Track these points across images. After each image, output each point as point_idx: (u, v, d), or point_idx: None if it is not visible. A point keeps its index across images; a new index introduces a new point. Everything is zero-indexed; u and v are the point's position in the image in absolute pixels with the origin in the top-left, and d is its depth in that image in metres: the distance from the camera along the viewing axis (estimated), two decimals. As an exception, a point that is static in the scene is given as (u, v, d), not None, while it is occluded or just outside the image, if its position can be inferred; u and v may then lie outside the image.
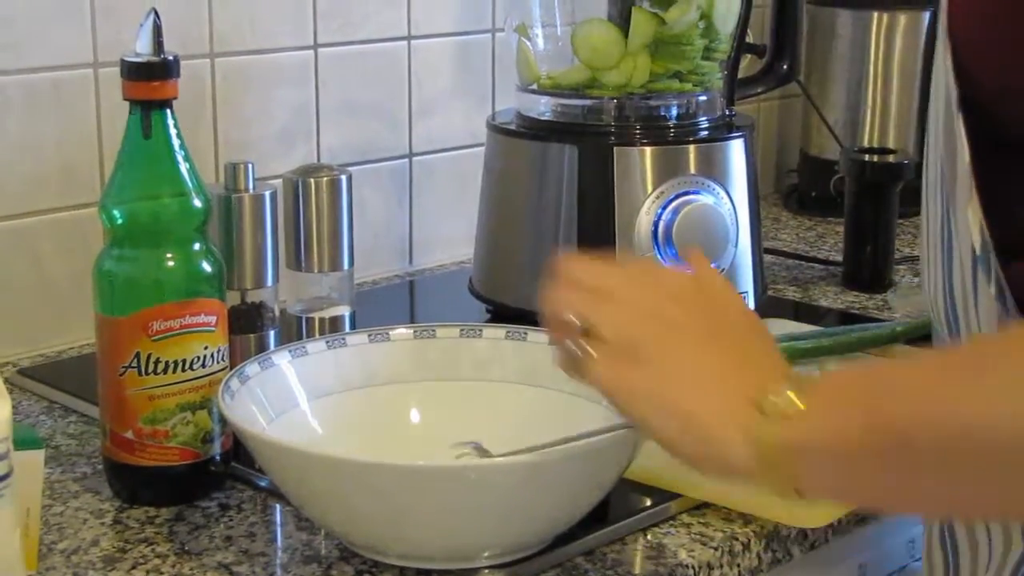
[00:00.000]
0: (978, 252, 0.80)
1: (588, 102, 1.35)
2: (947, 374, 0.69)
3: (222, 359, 0.99)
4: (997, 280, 0.79)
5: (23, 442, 0.86)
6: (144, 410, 0.97)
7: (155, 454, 0.98)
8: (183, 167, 0.98)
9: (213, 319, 0.98)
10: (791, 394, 0.73)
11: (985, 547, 0.84)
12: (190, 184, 0.98)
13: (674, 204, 1.27)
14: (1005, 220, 0.79)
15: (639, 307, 0.80)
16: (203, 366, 0.98)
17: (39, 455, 0.90)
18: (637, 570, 0.92)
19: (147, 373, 0.97)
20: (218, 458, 1.01)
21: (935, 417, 0.67)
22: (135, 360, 0.96)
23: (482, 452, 0.96)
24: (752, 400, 0.74)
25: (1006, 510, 0.73)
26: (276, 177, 1.24)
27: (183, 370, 0.97)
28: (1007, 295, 0.79)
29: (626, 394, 0.80)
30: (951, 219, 0.82)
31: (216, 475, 1.01)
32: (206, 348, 0.98)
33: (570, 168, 1.30)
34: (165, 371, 0.97)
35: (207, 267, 0.98)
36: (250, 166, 1.13)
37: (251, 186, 1.13)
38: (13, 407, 0.81)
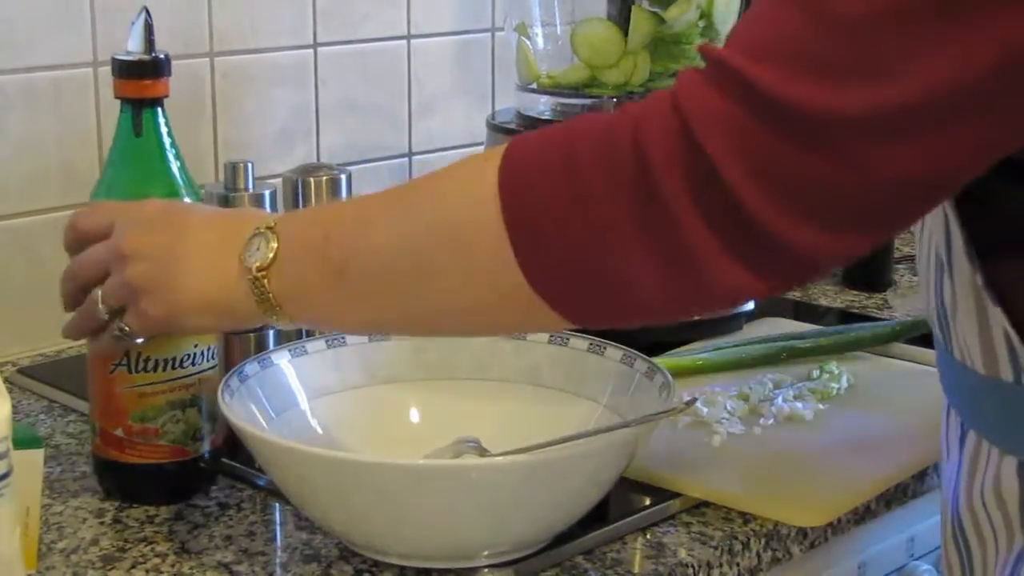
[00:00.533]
0: (954, 241, 0.80)
1: (588, 101, 1.35)
2: (367, 216, 0.83)
3: (212, 357, 0.99)
4: (974, 267, 0.79)
5: (22, 441, 0.86)
6: (134, 408, 0.97)
7: (145, 452, 0.98)
8: (174, 165, 0.98)
9: None
10: (264, 243, 0.85)
11: (992, 542, 0.84)
12: (180, 182, 0.98)
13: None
14: (983, 216, 0.78)
15: (121, 256, 0.89)
16: (193, 364, 0.98)
17: (38, 454, 0.90)
18: (637, 569, 0.92)
19: (137, 371, 0.96)
20: (207, 455, 1.00)
21: (360, 249, 0.82)
22: (125, 358, 0.96)
23: (481, 451, 0.96)
24: (239, 259, 0.85)
25: (414, 326, 0.90)
26: (276, 176, 1.24)
27: (173, 367, 0.97)
28: (981, 282, 0.79)
29: (158, 325, 0.90)
30: (948, 223, 0.82)
31: (206, 472, 1.01)
32: (196, 346, 0.98)
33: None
34: (155, 368, 0.97)
35: None
36: (250, 165, 1.13)
37: (251, 185, 1.13)
38: (13, 406, 0.81)
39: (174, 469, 0.99)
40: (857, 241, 0.72)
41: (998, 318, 0.78)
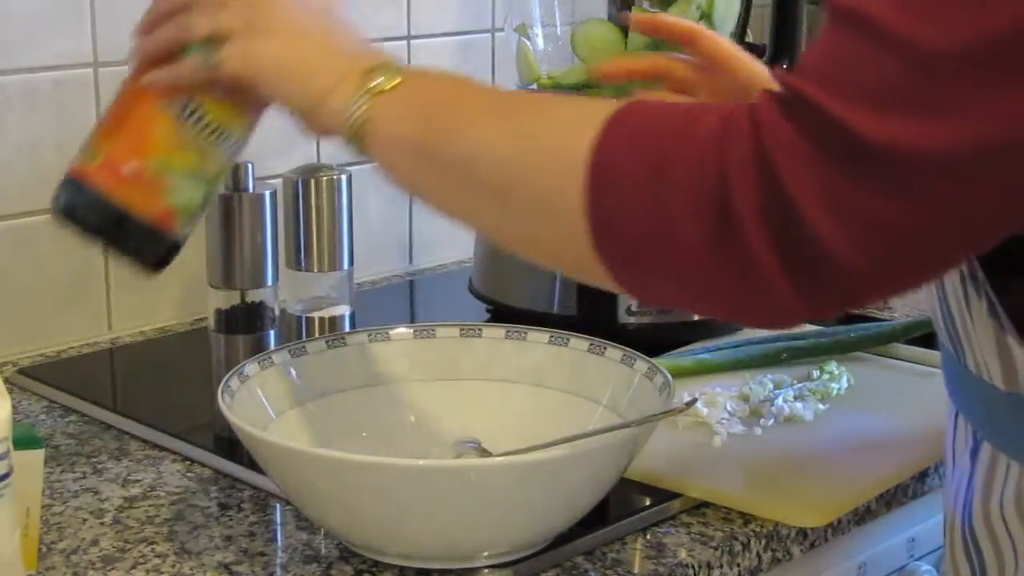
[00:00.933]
0: (963, 268, 0.80)
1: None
2: (481, 111, 0.84)
3: (237, 154, 0.97)
4: (987, 296, 0.79)
5: (22, 442, 0.86)
6: (163, 152, 0.91)
7: (142, 201, 0.91)
8: None
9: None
10: (388, 75, 0.85)
11: (1011, 554, 0.84)
12: None
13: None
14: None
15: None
16: (231, 147, 0.95)
17: (39, 455, 0.90)
18: (637, 570, 0.92)
19: (188, 119, 0.91)
20: (179, 244, 0.95)
21: (458, 141, 0.82)
22: (185, 100, 0.91)
23: (481, 451, 0.96)
24: (364, 70, 0.85)
25: (472, 223, 0.89)
26: (276, 177, 1.24)
27: (218, 138, 0.93)
28: (999, 311, 0.79)
29: (257, 69, 0.89)
30: None
31: (165, 258, 0.96)
32: (241, 135, 0.96)
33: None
34: (204, 129, 0.92)
35: None
36: (250, 166, 1.13)
37: (251, 186, 1.13)
38: (13, 407, 0.81)
39: (152, 232, 0.92)
40: (919, 278, 0.74)
41: (1018, 344, 0.78)
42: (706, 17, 1.33)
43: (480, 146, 0.81)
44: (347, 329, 1.23)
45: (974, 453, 0.86)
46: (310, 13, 0.90)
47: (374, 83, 0.85)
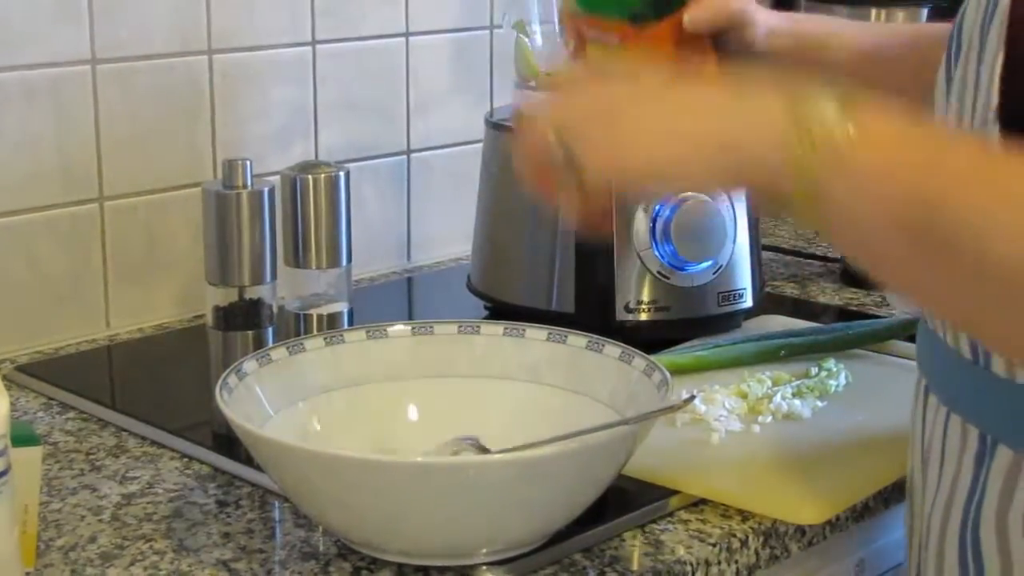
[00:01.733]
0: None
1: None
2: (996, 173, 0.67)
3: None
4: None
5: (20, 439, 0.86)
6: None
7: None
8: None
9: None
10: (836, 113, 0.68)
11: (1022, 564, 0.83)
12: None
13: (672, 201, 1.27)
14: None
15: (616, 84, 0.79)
16: None
17: (37, 452, 0.90)
18: (635, 567, 0.92)
19: None
20: None
21: (977, 212, 0.66)
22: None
23: (480, 448, 0.96)
24: (792, 114, 0.69)
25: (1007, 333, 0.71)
26: (274, 174, 1.24)
27: None
28: None
29: (627, 131, 0.75)
30: None
31: None
32: None
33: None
34: None
35: None
36: (248, 163, 1.13)
37: (249, 183, 1.13)
38: (11, 404, 0.81)
39: None
40: None
41: None
42: (704, 14, 1.33)
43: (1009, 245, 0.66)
44: (345, 326, 1.23)
45: (981, 458, 0.84)
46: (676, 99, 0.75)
47: (824, 124, 0.68)
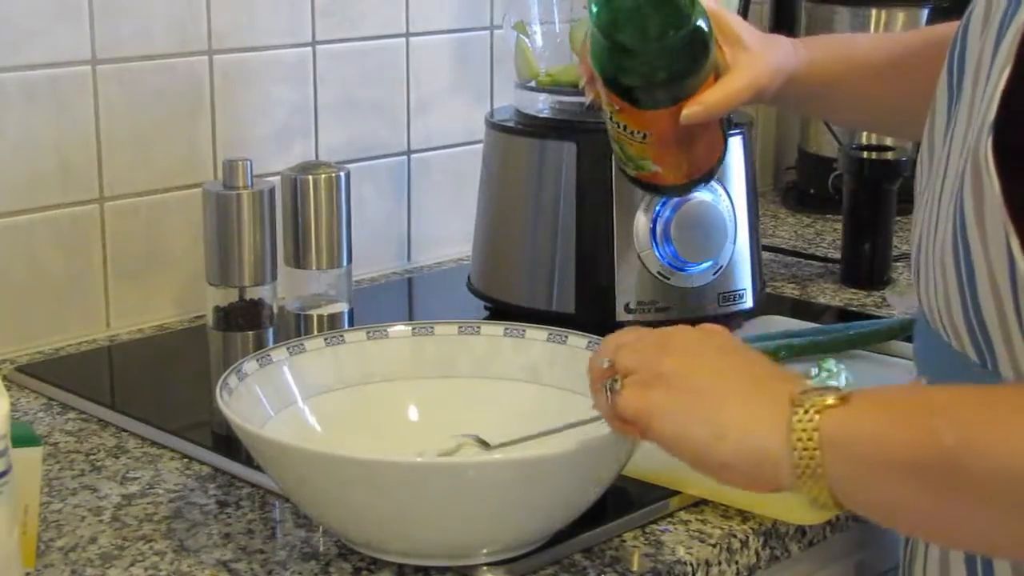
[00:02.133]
0: None
1: (587, 99, 1.35)
2: (997, 407, 0.69)
3: None
4: None
5: (21, 439, 0.86)
6: None
7: None
8: None
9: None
10: (829, 396, 0.72)
11: None
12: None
13: (673, 201, 1.27)
14: None
15: (659, 343, 0.82)
16: None
17: (37, 452, 0.90)
18: (635, 567, 0.92)
19: None
20: None
21: (989, 447, 0.67)
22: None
23: (480, 443, 0.96)
24: (790, 398, 0.73)
25: None
26: (274, 174, 1.24)
27: None
28: None
29: (655, 412, 0.80)
30: (968, 238, 0.80)
31: None
32: None
33: (568, 165, 1.30)
34: None
35: None
36: (248, 163, 1.13)
37: (249, 183, 1.13)
38: (11, 404, 0.81)
39: None
40: None
41: None
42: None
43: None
44: (346, 327, 1.23)
45: None
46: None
47: (812, 404, 0.72)
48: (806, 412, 0.72)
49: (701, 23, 0.98)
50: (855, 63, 1.12)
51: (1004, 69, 0.77)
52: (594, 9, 0.92)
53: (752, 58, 1.06)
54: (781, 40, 1.11)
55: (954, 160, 0.84)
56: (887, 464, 0.71)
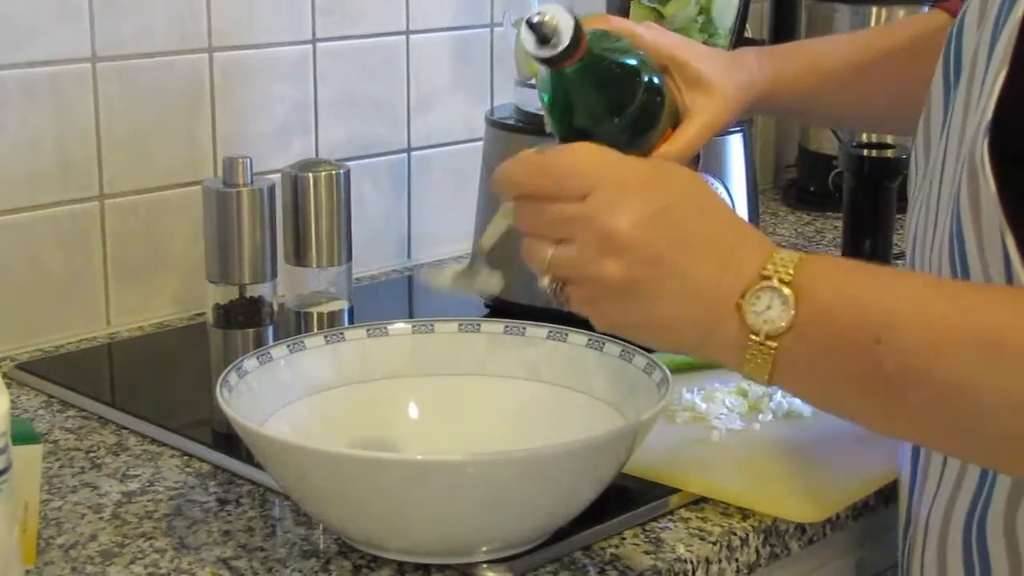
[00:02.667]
0: None
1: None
2: (937, 332, 0.71)
3: None
4: None
5: (21, 437, 0.86)
6: None
7: None
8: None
9: None
10: (778, 303, 0.74)
11: None
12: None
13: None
14: None
15: (600, 239, 0.78)
16: None
17: (37, 450, 0.90)
18: (635, 565, 0.92)
19: None
20: None
21: (928, 375, 0.71)
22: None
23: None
24: (737, 307, 0.75)
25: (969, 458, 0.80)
26: (274, 172, 1.24)
27: None
28: None
29: (614, 327, 0.81)
30: (964, 240, 0.80)
31: None
32: None
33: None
34: None
35: None
36: (248, 161, 1.13)
37: (250, 181, 1.13)
38: (11, 402, 0.81)
39: None
40: None
41: None
42: (705, 12, 1.33)
43: (975, 387, 0.70)
44: (346, 324, 1.23)
45: None
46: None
47: (764, 325, 0.74)
48: (756, 335, 0.74)
49: (654, 81, 0.98)
50: (823, 74, 1.11)
51: (1000, 71, 0.77)
52: (545, 98, 0.93)
53: (710, 96, 1.03)
54: (745, 59, 1.08)
55: (951, 159, 0.84)
56: (830, 382, 0.74)
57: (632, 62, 0.94)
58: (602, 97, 0.93)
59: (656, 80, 0.97)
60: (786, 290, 0.74)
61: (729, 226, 0.79)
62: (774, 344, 0.74)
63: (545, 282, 0.82)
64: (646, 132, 0.98)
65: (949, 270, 0.82)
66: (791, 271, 0.74)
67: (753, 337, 0.74)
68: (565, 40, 0.86)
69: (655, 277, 0.77)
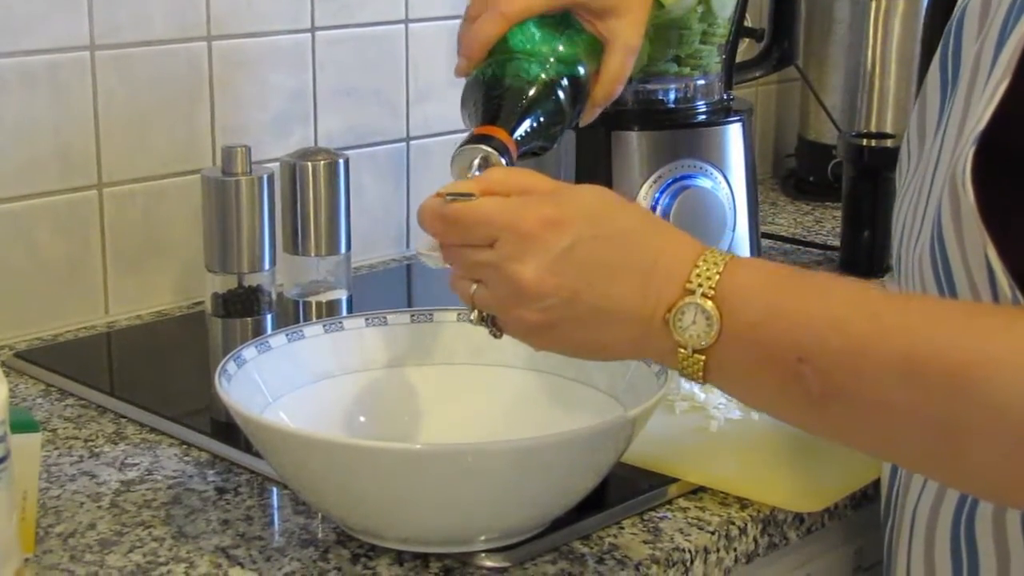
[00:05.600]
0: (1008, 294, 0.77)
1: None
2: (860, 356, 0.72)
3: None
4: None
5: (20, 425, 0.86)
6: None
7: None
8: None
9: None
10: (702, 319, 0.75)
11: (1021, 551, 0.82)
12: None
13: (672, 188, 1.27)
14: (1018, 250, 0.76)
15: (512, 290, 0.79)
16: None
17: (36, 438, 0.90)
18: (634, 554, 0.92)
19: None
20: None
21: (853, 396, 0.72)
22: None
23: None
24: (664, 321, 0.76)
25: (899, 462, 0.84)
26: (273, 161, 1.24)
27: None
28: None
29: (544, 346, 0.83)
30: (946, 247, 0.80)
31: None
32: None
33: (567, 152, 1.30)
34: None
35: None
36: (247, 150, 1.13)
37: (248, 169, 1.13)
38: (10, 390, 0.81)
39: None
40: None
41: None
42: (705, 2, 1.33)
43: (891, 402, 0.71)
44: (344, 313, 1.23)
45: None
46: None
47: (690, 340, 0.75)
48: (684, 348, 0.76)
49: (563, 82, 1.01)
50: None
51: (1002, 82, 0.76)
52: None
53: (620, 18, 1.04)
54: None
55: (944, 162, 0.83)
56: (759, 390, 0.76)
57: (536, 82, 0.98)
58: (534, 123, 0.96)
59: (564, 79, 1.00)
60: (709, 304, 0.75)
61: (643, 241, 0.79)
62: (702, 356, 0.75)
63: (474, 316, 0.84)
64: (576, 106, 1.00)
65: (931, 272, 0.82)
66: (714, 285, 0.75)
67: (681, 350, 0.76)
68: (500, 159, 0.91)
69: (574, 315, 0.78)
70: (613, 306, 0.77)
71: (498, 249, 0.79)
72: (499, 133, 0.94)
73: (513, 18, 1.01)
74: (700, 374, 0.76)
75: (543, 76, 0.99)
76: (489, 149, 0.92)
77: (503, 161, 0.92)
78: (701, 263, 0.76)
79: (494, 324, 0.83)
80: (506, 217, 0.79)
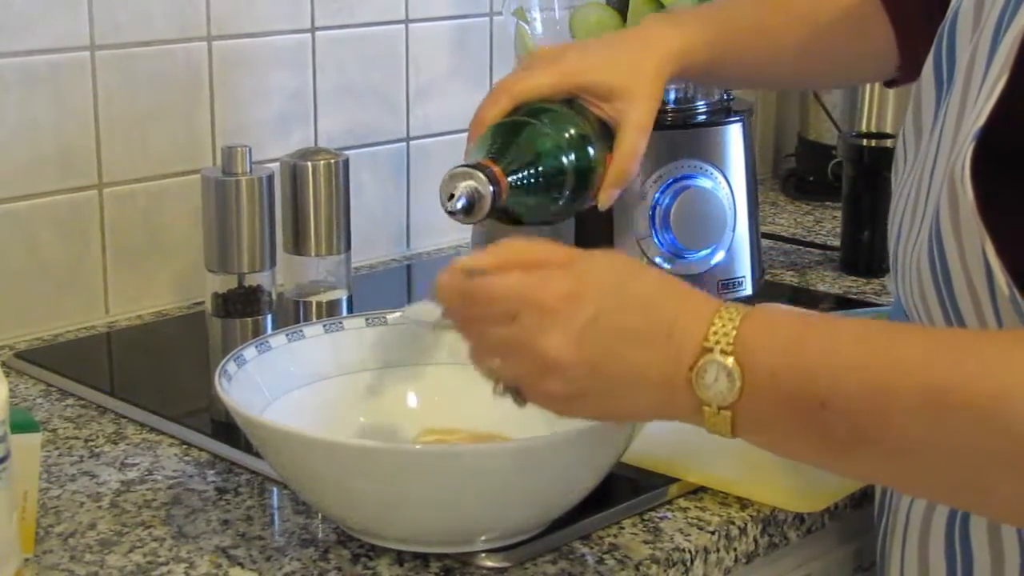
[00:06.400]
0: (1006, 293, 0.77)
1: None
2: (882, 398, 0.71)
3: None
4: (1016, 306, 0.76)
5: (20, 425, 0.86)
6: None
7: None
8: None
9: None
10: (723, 376, 0.74)
11: (1016, 550, 0.82)
12: None
13: (672, 188, 1.27)
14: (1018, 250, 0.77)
15: (535, 363, 0.79)
16: None
17: (36, 438, 0.90)
18: (634, 554, 0.92)
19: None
20: None
21: (879, 438, 0.71)
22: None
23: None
24: (687, 381, 0.76)
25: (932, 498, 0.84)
26: (274, 161, 1.24)
27: None
28: None
29: (570, 415, 0.82)
30: (944, 245, 0.80)
31: None
32: None
33: (568, 152, 1.30)
34: None
35: None
36: (247, 150, 1.13)
37: (248, 169, 1.13)
38: (10, 390, 0.81)
39: None
40: None
41: None
42: (704, 1, 1.33)
43: (916, 440, 0.71)
44: (344, 313, 1.23)
45: None
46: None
47: (714, 399, 0.75)
48: (709, 406, 0.76)
49: (577, 153, 1.02)
50: (731, 36, 1.14)
51: (1000, 79, 0.77)
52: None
53: (628, 100, 1.07)
54: (649, 36, 1.11)
55: (941, 162, 0.83)
56: (787, 440, 0.76)
57: (547, 139, 1.00)
58: (544, 201, 0.98)
59: (573, 154, 1.01)
60: (729, 361, 0.74)
61: (660, 304, 0.79)
62: (729, 412, 0.75)
63: (499, 389, 0.83)
64: (586, 187, 1.02)
65: (929, 271, 0.82)
66: (731, 340, 0.74)
67: (707, 408, 0.76)
68: (486, 205, 0.94)
69: (599, 385, 0.78)
70: (637, 373, 0.77)
71: (520, 324, 0.79)
72: (495, 167, 0.96)
73: (519, 98, 1.05)
74: (728, 428, 0.76)
75: (555, 136, 1.01)
76: (482, 176, 0.94)
77: (490, 190, 0.94)
78: (717, 320, 0.76)
79: (519, 394, 0.82)
80: (527, 292, 0.79)
